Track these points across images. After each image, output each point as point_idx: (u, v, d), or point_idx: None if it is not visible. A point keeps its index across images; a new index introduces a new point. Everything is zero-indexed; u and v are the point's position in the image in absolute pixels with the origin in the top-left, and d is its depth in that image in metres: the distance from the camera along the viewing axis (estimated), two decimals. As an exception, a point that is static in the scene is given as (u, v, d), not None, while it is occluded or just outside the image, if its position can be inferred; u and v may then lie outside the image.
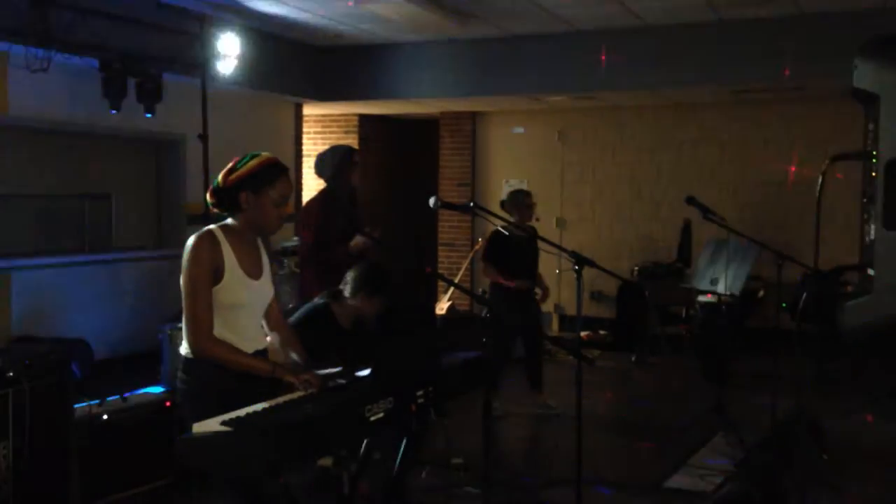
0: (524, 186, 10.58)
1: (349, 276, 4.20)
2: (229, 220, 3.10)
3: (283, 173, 3.09)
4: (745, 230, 5.76)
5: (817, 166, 7.75)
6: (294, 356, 3.34)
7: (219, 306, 2.99)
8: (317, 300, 4.27)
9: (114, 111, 6.96)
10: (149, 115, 7.21)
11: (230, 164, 3.09)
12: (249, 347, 3.10)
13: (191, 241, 2.99)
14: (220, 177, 3.08)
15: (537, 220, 6.50)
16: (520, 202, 6.40)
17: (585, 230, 10.41)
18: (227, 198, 3.06)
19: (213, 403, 2.78)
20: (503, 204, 6.49)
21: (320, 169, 5.56)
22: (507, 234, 6.36)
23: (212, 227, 3.06)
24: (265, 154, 3.12)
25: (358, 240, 5.17)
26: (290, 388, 2.99)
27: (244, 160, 3.08)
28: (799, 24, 7.82)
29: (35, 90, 6.84)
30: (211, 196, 3.10)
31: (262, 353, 3.18)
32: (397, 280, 4.65)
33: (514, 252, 6.37)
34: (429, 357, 3.22)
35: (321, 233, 5.30)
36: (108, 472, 4.25)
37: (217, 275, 2.98)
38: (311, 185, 10.75)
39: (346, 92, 9.83)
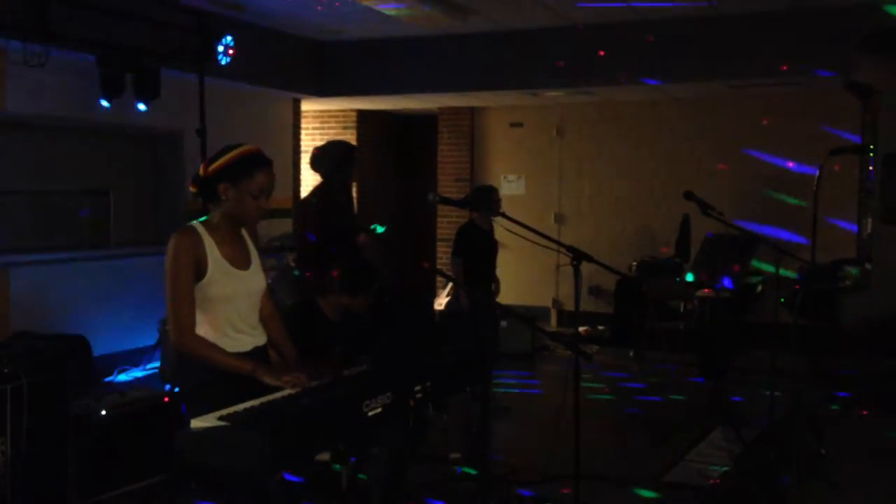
0: (521, 182, 10.67)
1: (334, 275, 4.16)
2: (211, 213, 3.08)
3: (263, 165, 3.03)
4: (744, 225, 5.76)
5: (815, 160, 7.75)
6: (283, 352, 3.31)
7: (208, 300, 2.99)
8: (302, 295, 4.25)
9: (111, 106, 6.95)
10: (142, 107, 7.18)
11: (212, 155, 3.06)
12: (247, 342, 3.09)
13: (171, 238, 2.97)
14: (201, 167, 3.06)
15: (502, 213, 6.51)
16: (491, 198, 6.39)
17: (583, 225, 10.41)
18: (207, 188, 3.03)
19: (210, 397, 2.78)
20: (472, 201, 6.34)
21: (317, 164, 5.53)
22: (479, 227, 6.39)
23: (192, 222, 3.05)
24: (246, 145, 3.06)
25: (363, 238, 5.17)
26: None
27: (224, 151, 3.03)
28: (796, 18, 7.82)
29: (32, 85, 6.82)
30: (192, 186, 3.09)
31: (260, 349, 3.17)
32: (395, 276, 4.65)
33: (482, 247, 6.39)
34: (427, 352, 3.23)
35: (319, 229, 5.28)
36: (106, 467, 4.26)
37: (200, 270, 2.96)
38: (309, 180, 10.74)
39: (345, 87, 9.82)
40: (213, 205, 3.07)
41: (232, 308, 3.05)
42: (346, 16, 8.24)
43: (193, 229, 3.01)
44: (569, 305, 10.39)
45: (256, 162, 3.02)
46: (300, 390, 2.92)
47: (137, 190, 8.44)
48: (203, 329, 2.99)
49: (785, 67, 8.04)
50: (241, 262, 3.10)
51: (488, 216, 6.27)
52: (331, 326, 4.10)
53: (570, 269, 3.83)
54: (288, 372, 2.98)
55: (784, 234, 8.63)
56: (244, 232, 3.18)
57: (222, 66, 7.64)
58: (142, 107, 7.18)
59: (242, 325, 3.09)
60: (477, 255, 6.33)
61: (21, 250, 7.21)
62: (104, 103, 6.92)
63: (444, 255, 10.97)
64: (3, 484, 3.74)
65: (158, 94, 7.27)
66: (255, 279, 3.15)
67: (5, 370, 3.78)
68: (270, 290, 3.33)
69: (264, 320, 3.26)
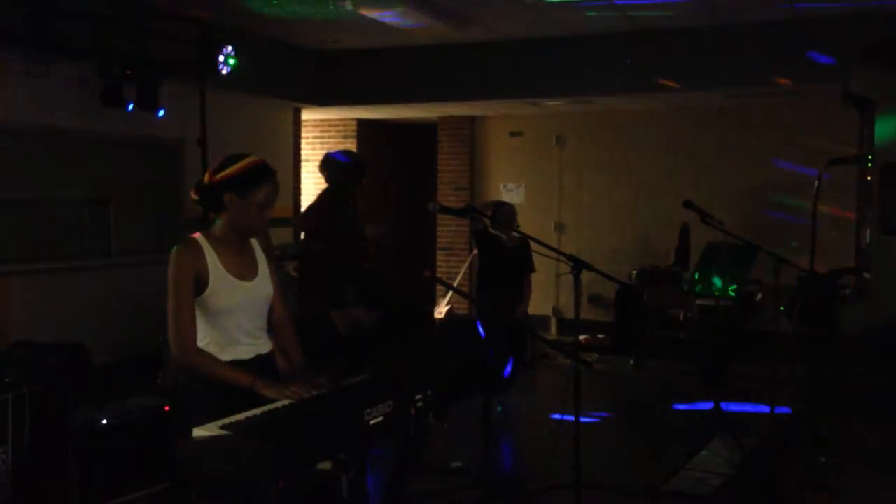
0: (521, 191, 10.69)
1: (349, 286, 4.20)
2: (215, 223, 3.08)
3: (270, 177, 3.05)
4: (743, 234, 5.77)
5: (814, 170, 7.77)
6: (291, 358, 3.32)
7: (211, 312, 2.99)
8: (315, 307, 4.28)
9: (112, 116, 6.98)
10: (143, 117, 7.21)
11: (216, 163, 3.06)
12: (247, 351, 3.09)
13: (172, 251, 2.98)
14: (206, 175, 3.06)
15: (518, 225, 6.61)
16: (509, 213, 6.50)
17: (583, 234, 10.43)
18: (211, 196, 3.04)
19: (213, 406, 2.79)
20: (492, 221, 6.48)
21: (327, 170, 5.55)
22: (493, 233, 6.45)
23: (195, 234, 3.05)
24: (253, 156, 3.07)
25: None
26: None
27: (231, 160, 3.04)
28: (795, 29, 7.85)
29: (34, 95, 6.84)
30: (195, 193, 3.09)
31: (264, 357, 3.17)
32: (396, 284, 4.67)
33: (495, 257, 6.45)
34: (427, 361, 3.23)
35: (322, 236, 5.29)
36: (107, 476, 4.26)
37: (201, 282, 2.97)
38: (310, 189, 10.76)
39: (345, 97, 9.85)
40: (216, 213, 3.07)
41: (233, 319, 3.05)
42: (347, 25, 8.27)
43: (195, 241, 3.01)
44: (569, 314, 10.39)
45: (264, 174, 3.04)
46: (302, 399, 2.92)
47: (138, 199, 8.44)
48: (203, 339, 3.00)
49: (783, 78, 8.07)
50: (246, 272, 3.09)
51: (500, 230, 6.34)
52: (340, 340, 4.13)
53: (570, 278, 3.84)
54: (289, 388, 2.94)
55: (783, 243, 8.64)
56: (253, 241, 3.18)
57: (223, 75, 7.67)
58: (142, 116, 7.20)
59: (242, 336, 3.08)
60: (489, 263, 6.38)
61: (22, 259, 7.22)
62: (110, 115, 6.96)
63: (444, 264, 10.99)
64: (4, 493, 3.74)
65: (160, 103, 7.29)
66: (260, 290, 3.14)
67: (7, 379, 3.78)
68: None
69: (275, 325, 3.26)
